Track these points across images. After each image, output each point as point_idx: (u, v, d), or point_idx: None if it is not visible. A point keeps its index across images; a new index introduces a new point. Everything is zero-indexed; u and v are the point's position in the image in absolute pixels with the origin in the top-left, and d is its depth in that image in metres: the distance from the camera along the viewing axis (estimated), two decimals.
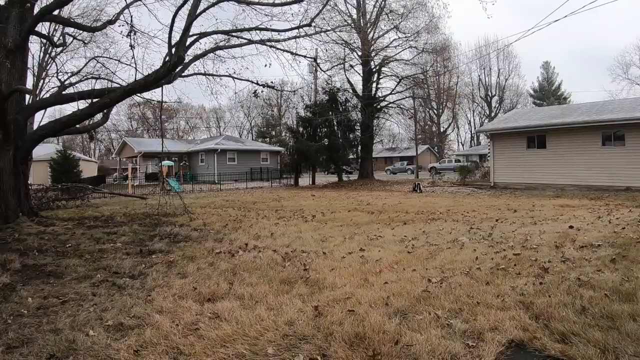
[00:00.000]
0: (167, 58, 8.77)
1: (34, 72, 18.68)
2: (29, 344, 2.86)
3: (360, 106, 27.05)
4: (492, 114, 54.05)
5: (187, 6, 8.74)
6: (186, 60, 10.07)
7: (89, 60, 14.66)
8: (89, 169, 32.81)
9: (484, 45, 52.41)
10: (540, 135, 18.21)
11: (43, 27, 12.56)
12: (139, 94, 11.44)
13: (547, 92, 56.36)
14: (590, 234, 6.33)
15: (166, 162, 30.42)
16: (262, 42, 11.24)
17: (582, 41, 73.32)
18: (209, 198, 16.81)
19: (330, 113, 26.03)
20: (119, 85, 10.99)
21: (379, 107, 29.11)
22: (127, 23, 9.43)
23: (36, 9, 9.28)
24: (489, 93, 55.80)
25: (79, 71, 14.98)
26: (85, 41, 14.60)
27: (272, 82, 12.68)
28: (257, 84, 12.09)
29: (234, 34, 11.11)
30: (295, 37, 11.47)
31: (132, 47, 9.07)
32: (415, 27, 26.36)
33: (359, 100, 27.46)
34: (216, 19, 22.56)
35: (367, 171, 28.02)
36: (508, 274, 4.27)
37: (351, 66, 27.71)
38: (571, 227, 7.00)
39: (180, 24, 9.00)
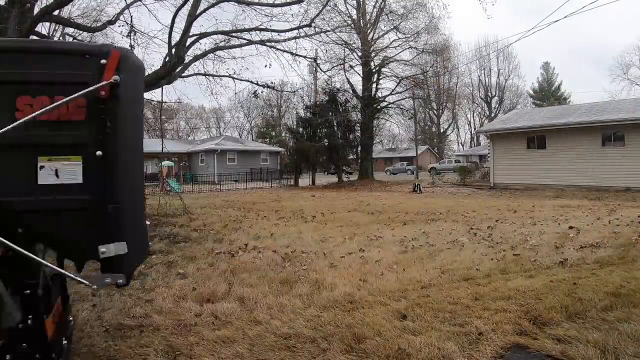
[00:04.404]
0: (167, 58, 8.78)
1: None
2: None
3: (360, 107, 27.08)
4: (492, 115, 54.05)
5: (187, 7, 8.76)
6: (186, 61, 10.07)
7: None
8: None
9: (483, 46, 52.36)
10: (540, 135, 18.22)
11: (43, 28, 12.54)
12: None
13: (547, 93, 56.37)
14: (590, 234, 6.33)
15: (166, 163, 30.36)
16: (262, 42, 11.24)
17: (582, 41, 73.43)
18: (208, 198, 16.80)
19: (330, 113, 26.05)
20: None
21: (378, 107, 29.14)
22: (127, 23, 9.45)
23: (36, 9, 9.27)
24: (489, 93, 55.81)
25: None
26: (86, 42, 14.61)
27: (272, 83, 12.68)
28: (257, 84, 12.09)
29: (234, 34, 11.11)
30: (295, 38, 11.47)
31: (132, 47, 9.08)
32: (415, 27, 26.45)
33: (359, 100, 27.48)
34: (216, 20, 22.47)
35: (367, 172, 28.03)
36: (508, 275, 4.27)
37: (351, 67, 27.73)
38: (571, 227, 7.01)
39: (180, 24, 9.02)
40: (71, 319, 2.11)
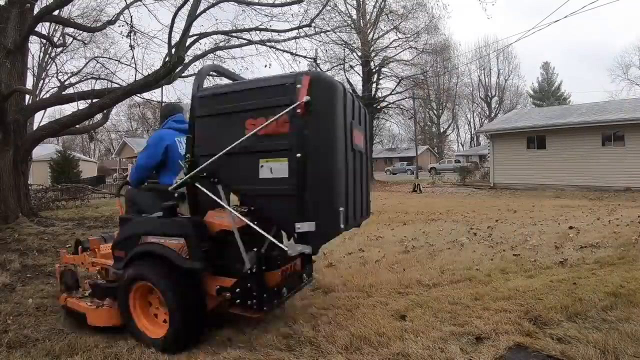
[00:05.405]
0: (167, 58, 8.77)
1: (33, 72, 18.64)
2: (29, 344, 2.86)
3: None
4: (492, 115, 54.04)
5: (187, 6, 8.74)
6: (186, 61, 10.08)
7: (88, 61, 14.63)
8: (88, 169, 32.81)
9: (483, 46, 52.32)
10: (540, 135, 18.23)
11: (43, 28, 12.55)
12: (138, 95, 11.43)
13: (547, 93, 56.34)
14: (590, 234, 6.32)
15: None
16: (262, 42, 11.25)
17: (582, 41, 73.47)
18: None
19: None
20: (118, 86, 10.99)
21: (378, 107, 29.14)
22: (127, 23, 9.45)
23: (36, 9, 9.28)
24: (489, 94, 55.79)
25: (78, 71, 14.95)
26: (85, 41, 14.59)
27: None
28: None
29: (233, 34, 11.12)
30: (295, 38, 11.48)
31: (132, 47, 9.09)
32: (415, 27, 26.46)
33: (359, 100, 27.46)
34: (216, 20, 22.48)
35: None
36: (508, 275, 4.27)
37: (351, 67, 27.77)
38: (571, 227, 7.00)
39: (180, 24, 9.01)
40: (310, 279, 3.07)
